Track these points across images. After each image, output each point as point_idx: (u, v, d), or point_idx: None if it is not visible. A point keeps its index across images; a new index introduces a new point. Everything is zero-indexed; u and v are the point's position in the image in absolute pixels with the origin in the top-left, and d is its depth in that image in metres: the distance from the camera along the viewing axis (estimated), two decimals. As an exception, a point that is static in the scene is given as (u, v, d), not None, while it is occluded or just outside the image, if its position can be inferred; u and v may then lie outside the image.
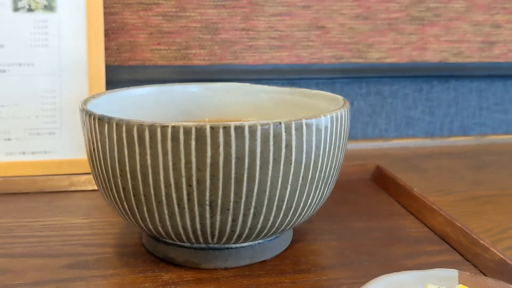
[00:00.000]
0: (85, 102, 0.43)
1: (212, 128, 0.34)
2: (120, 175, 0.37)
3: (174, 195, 0.36)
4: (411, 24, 0.81)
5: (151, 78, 0.76)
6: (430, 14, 0.81)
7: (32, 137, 0.68)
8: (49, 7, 0.68)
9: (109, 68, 0.73)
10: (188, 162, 0.35)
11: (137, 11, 0.74)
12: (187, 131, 0.34)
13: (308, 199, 0.39)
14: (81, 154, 0.68)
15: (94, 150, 0.39)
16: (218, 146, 0.35)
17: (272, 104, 0.54)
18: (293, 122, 0.36)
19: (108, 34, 0.74)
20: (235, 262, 0.41)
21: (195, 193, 0.36)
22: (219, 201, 0.36)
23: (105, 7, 0.73)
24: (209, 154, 0.35)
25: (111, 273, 0.41)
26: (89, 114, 0.38)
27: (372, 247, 0.46)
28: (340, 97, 0.46)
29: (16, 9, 0.67)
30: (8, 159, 0.66)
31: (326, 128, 0.38)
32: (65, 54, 0.68)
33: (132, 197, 0.38)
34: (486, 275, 0.41)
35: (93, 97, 0.45)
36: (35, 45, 0.69)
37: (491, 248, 0.42)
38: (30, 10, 0.67)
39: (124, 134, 0.36)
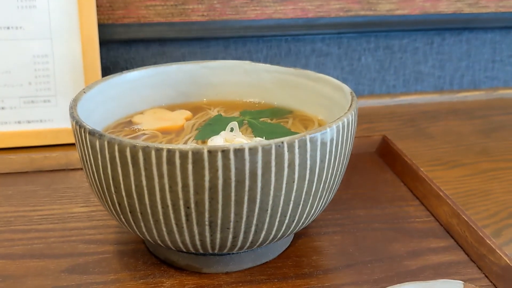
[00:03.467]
0: (76, 100, 0.41)
1: (210, 152, 0.32)
2: (114, 192, 0.36)
3: (172, 215, 0.35)
4: (425, -26, 0.75)
5: (147, 37, 0.72)
6: (446, -38, 0.75)
7: (26, 105, 0.66)
8: (33, -33, 0.63)
9: (102, 28, 0.69)
10: (185, 186, 0.33)
11: (130, -35, 0.69)
12: (183, 155, 0.32)
13: (312, 209, 0.38)
14: (78, 122, 0.66)
15: (86, 162, 0.37)
16: (217, 170, 0.33)
17: (274, 84, 0.51)
18: (296, 141, 0.34)
19: (100, -9, 0.69)
20: (236, 266, 0.41)
21: (193, 215, 0.34)
22: (219, 222, 0.35)
23: (94, -38, 0.67)
24: (207, 178, 0.33)
25: (112, 279, 0.40)
26: (79, 125, 0.36)
27: (375, 242, 0.45)
28: (347, 89, 0.43)
29: (-2, -31, 0.62)
30: (3, 129, 0.65)
31: (331, 140, 0.36)
32: (54, 15, 0.64)
33: (129, 213, 0.36)
34: (491, 281, 0.40)
35: (84, 92, 0.43)
36: (22, 6, 0.64)
37: (497, 251, 0.41)
38: (13, -29, 0.62)
39: (117, 154, 0.34)
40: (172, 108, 0.51)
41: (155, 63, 0.73)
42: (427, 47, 0.81)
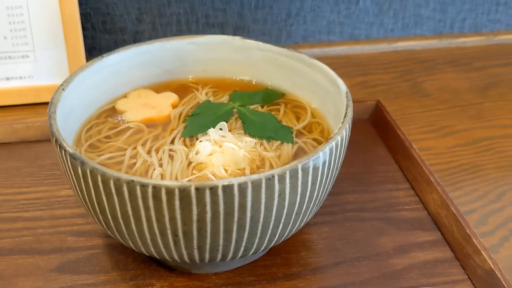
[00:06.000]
0: (54, 101, 0.38)
1: (197, 189, 0.31)
2: (100, 213, 0.35)
3: (159, 240, 0.34)
4: None
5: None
6: None
7: (3, 61, 0.62)
8: None
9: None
10: (172, 218, 0.32)
11: None
12: (169, 191, 0.31)
13: (302, 222, 0.38)
14: (60, 79, 0.63)
15: (69, 179, 0.36)
16: (205, 206, 0.32)
17: (266, 64, 0.48)
18: (287, 172, 0.32)
19: None
20: (226, 266, 0.41)
21: (181, 241, 0.34)
22: (207, 247, 0.34)
23: None
24: (195, 212, 0.32)
25: (102, 280, 0.41)
26: (59, 145, 0.34)
27: (363, 235, 0.45)
28: (342, 86, 0.41)
29: None
30: (-19, 87, 0.62)
31: (324, 163, 0.34)
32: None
33: (116, 232, 0.36)
34: (473, 285, 0.41)
35: (63, 89, 0.40)
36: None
37: (482, 253, 0.41)
38: None
39: (100, 184, 0.32)
40: (157, 88, 0.48)
41: (138, 7, 0.69)
42: (430, -11, 0.76)
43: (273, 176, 0.32)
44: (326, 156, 0.34)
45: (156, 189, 0.31)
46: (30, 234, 0.45)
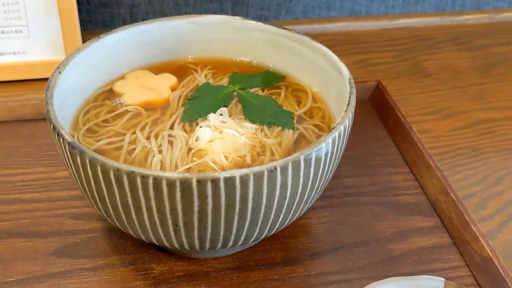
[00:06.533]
0: (51, 85, 0.37)
1: (199, 181, 0.31)
2: (100, 201, 0.34)
3: (160, 229, 0.34)
4: None
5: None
6: None
7: (-4, 36, 0.61)
8: None
9: None
10: (173, 209, 0.32)
11: None
12: (170, 183, 0.31)
13: (303, 210, 0.37)
14: (55, 55, 0.62)
15: (68, 167, 0.35)
16: (206, 197, 0.31)
17: (267, 45, 0.47)
18: (289, 163, 0.32)
19: None
20: (225, 252, 0.41)
21: (182, 231, 0.34)
22: (208, 236, 0.34)
23: None
24: (196, 203, 0.32)
25: (101, 264, 0.41)
26: (57, 133, 0.34)
27: (362, 220, 0.45)
28: (345, 72, 0.40)
29: None
30: (-25, 62, 0.60)
31: (326, 153, 0.34)
32: None
33: (116, 220, 0.35)
34: (471, 271, 0.42)
35: (59, 72, 0.39)
36: None
37: (481, 239, 0.41)
38: None
39: (100, 174, 0.32)
40: (155, 68, 0.47)
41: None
42: (433, -36, 0.74)
43: (275, 168, 0.32)
44: (329, 147, 0.34)
45: (157, 180, 0.31)
46: (28, 217, 0.44)
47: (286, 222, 0.37)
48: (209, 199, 0.31)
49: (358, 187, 0.48)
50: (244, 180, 0.31)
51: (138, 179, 0.31)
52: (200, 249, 0.36)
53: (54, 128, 0.34)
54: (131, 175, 0.31)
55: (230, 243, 0.35)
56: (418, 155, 0.50)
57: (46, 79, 0.60)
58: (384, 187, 0.49)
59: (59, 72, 0.39)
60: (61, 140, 0.33)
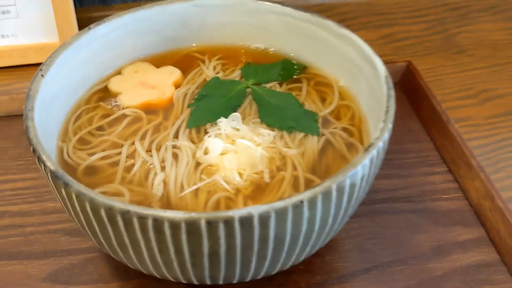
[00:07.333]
0: (31, 94, 0.32)
1: (209, 222, 0.25)
2: (93, 236, 0.29)
3: (164, 270, 0.29)
4: None
5: None
6: None
7: (-19, 17, 0.54)
8: None
9: None
10: (178, 251, 0.27)
11: None
12: (174, 225, 0.25)
13: (332, 236, 0.32)
14: (47, 37, 0.56)
15: (55, 195, 0.30)
16: (218, 239, 0.26)
17: (285, 31, 0.40)
18: (319, 196, 0.26)
19: None
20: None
21: (190, 272, 0.28)
22: (222, 276, 0.29)
23: None
24: (206, 245, 0.26)
25: (101, 292, 0.36)
26: (37, 157, 0.28)
27: (396, 232, 0.39)
28: (381, 68, 0.34)
29: None
30: (-42, 47, 0.54)
31: (362, 177, 0.28)
32: None
33: (112, 255, 0.30)
34: (523, 296, 0.36)
35: (42, 75, 0.33)
36: None
37: (535, 258, 0.36)
38: None
39: (89, 211, 0.26)
40: (156, 59, 0.41)
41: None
42: None
43: (301, 202, 0.26)
44: (366, 169, 0.28)
45: (158, 222, 0.25)
46: (18, 234, 0.39)
47: (313, 251, 0.31)
48: (222, 241, 0.26)
49: (389, 191, 0.43)
50: (264, 218, 0.25)
51: (135, 220, 0.25)
52: (213, 285, 0.31)
53: (34, 151, 0.28)
54: (126, 215, 0.25)
55: (248, 279, 0.30)
56: (458, 152, 0.44)
57: (38, 64, 0.53)
58: (419, 190, 0.43)
59: (42, 76, 0.33)
60: (42, 167, 0.28)
